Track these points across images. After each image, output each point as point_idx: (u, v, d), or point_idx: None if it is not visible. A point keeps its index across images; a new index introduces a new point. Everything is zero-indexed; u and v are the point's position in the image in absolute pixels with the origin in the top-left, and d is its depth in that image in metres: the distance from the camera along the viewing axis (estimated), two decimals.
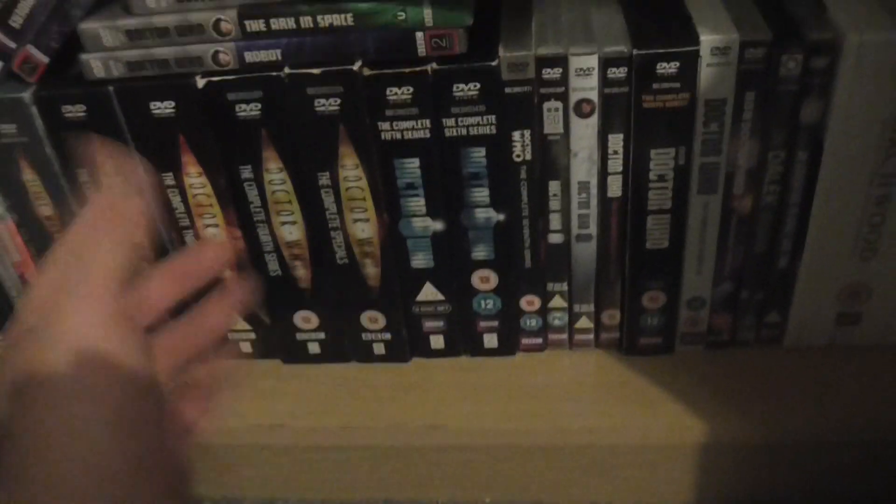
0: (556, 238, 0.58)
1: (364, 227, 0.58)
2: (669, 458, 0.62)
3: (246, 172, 0.57)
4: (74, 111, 0.55)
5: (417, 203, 0.57)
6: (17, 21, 0.54)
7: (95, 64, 0.54)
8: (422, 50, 0.51)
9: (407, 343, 0.65)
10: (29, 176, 0.58)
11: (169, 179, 0.58)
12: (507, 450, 0.63)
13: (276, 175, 0.57)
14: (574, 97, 0.52)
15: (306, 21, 0.51)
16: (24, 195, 0.59)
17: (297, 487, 0.68)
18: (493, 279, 0.60)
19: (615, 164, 0.55)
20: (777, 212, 0.56)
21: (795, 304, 0.60)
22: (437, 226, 0.58)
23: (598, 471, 0.63)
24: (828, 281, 0.59)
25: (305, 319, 0.64)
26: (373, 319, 0.63)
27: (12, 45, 0.55)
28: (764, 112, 0.52)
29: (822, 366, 0.62)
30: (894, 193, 0.55)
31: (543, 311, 0.62)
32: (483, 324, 0.63)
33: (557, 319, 0.63)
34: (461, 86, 0.52)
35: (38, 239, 0.62)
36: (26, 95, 0.55)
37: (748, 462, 0.61)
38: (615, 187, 0.56)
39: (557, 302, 0.62)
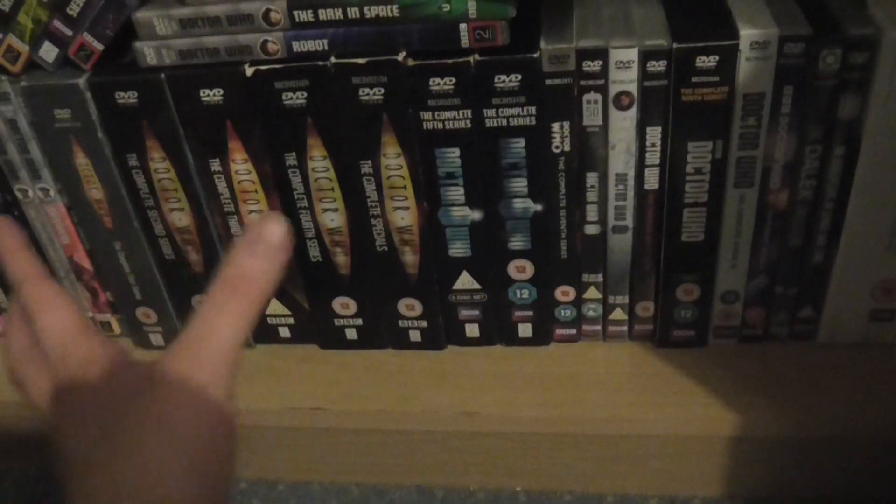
0: (592, 229, 0.59)
1: (404, 215, 0.59)
2: (700, 450, 0.62)
3: (290, 159, 0.58)
4: (127, 97, 0.57)
5: (457, 192, 0.58)
6: (73, 9, 0.56)
7: (148, 52, 0.56)
8: (465, 41, 0.52)
9: (443, 331, 0.66)
10: (81, 160, 0.60)
11: (215, 165, 0.59)
12: (539, 438, 0.64)
13: (319, 163, 0.58)
14: (613, 89, 0.53)
15: (353, 12, 0.52)
16: (75, 179, 0.61)
17: (332, 471, 0.69)
18: (528, 269, 0.61)
19: (653, 156, 0.55)
20: (813, 207, 0.57)
21: (829, 299, 0.61)
22: (476, 215, 0.59)
23: (630, 461, 0.63)
24: (862, 277, 0.59)
25: (344, 305, 0.65)
26: (410, 307, 0.65)
27: (69, 32, 0.57)
28: (802, 107, 0.53)
29: (855, 362, 0.62)
30: None
31: (578, 302, 0.63)
32: (518, 313, 0.64)
33: (592, 310, 0.64)
34: (502, 77, 0.53)
35: (87, 221, 0.64)
36: (81, 82, 0.57)
37: (779, 456, 0.62)
38: (652, 179, 0.56)
39: (592, 293, 0.63)
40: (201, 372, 0.35)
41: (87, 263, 0.67)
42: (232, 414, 0.36)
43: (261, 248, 0.37)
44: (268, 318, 0.68)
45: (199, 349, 0.36)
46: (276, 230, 0.37)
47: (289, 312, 0.67)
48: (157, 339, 0.70)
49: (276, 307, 0.67)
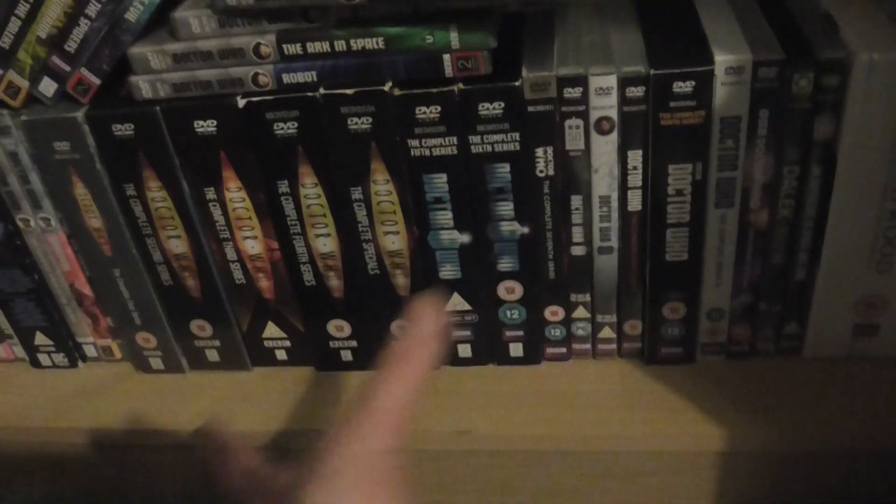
0: (578, 250, 0.61)
1: (394, 239, 0.61)
2: (690, 466, 0.63)
3: (283, 187, 0.60)
4: (123, 129, 0.59)
5: (445, 216, 0.60)
6: (71, 46, 0.58)
7: (143, 85, 0.57)
8: (448, 71, 0.54)
9: None
10: (80, 190, 0.62)
11: (210, 194, 0.61)
12: (532, 455, 0.65)
13: (311, 190, 0.60)
14: (594, 115, 0.55)
15: (340, 45, 0.54)
16: (75, 209, 0.63)
17: None
18: (518, 290, 0.63)
19: (634, 178, 0.57)
20: (793, 225, 0.58)
21: (813, 315, 0.62)
22: (465, 238, 0.60)
23: (620, 477, 0.64)
24: (844, 293, 0.60)
25: (338, 328, 0.67)
26: (403, 328, 0.66)
27: (67, 68, 0.58)
28: (778, 129, 0.54)
29: (840, 376, 0.63)
30: None
31: (567, 322, 0.65)
32: (509, 333, 0.65)
33: (581, 329, 0.65)
34: (486, 105, 0.54)
35: (87, 249, 0.65)
36: (79, 115, 0.59)
37: (767, 471, 0.63)
38: (635, 201, 0.58)
39: (581, 312, 0.64)
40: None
41: (87, 290, 0.69)
42: None
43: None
44: (264, 342, 0.69)
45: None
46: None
47: (284, 335, 0.68)
48: (156, 363, 0.71)
49: (272, 330, 0.68)
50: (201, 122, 0.58)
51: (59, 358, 0.74)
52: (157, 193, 0.61)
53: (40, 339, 0.73)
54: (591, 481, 0.65)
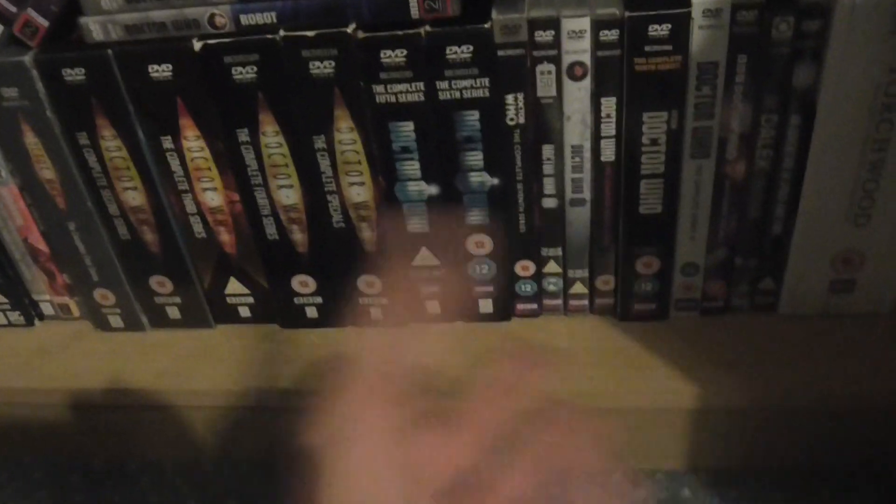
0: (550, 202, 0.59)
1: (360, 190, 0.59)
2: (663, 423, 0.62)
3: (243, 136, 0.57)
4: (74, 74, 0.56)
5: (412, 167, 0.57)
6: None
7: (94, 27, 0.55)
8: (415, 12, 0.52)
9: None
10: (31, 139, 0.59)
11: (167, 143, 0.58)
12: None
13: (272, 139, 0.57)
14: (567, 60, 0.52)
15: None
16: (26, 159, 0.60)
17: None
18: (487, 244, 0.61)
19: (608, 127, 0.55)
20: (770, 177, 0.56)
21: (789, 270, 0.61)
22: (432, 190, 0.58)
23: (592, 434, 0.63)
24: (821, 247, 0.59)
25: (303, 284, 0.65)
26: (370, 284, 0.64)
27: (13, 8, 0.55)
28: (756, 75, 0.52)
29: (815, 333, 0.62)
30: (888, 159, 0.55)
31: (538, 277, 0.63)
32: (478, 289, 0.64)
33: (552, 285, 0.63)
34: (454, 48, 0.52)
35: (40, 202, 0.63)
36: (27, 59, 0.56)
37: (740, 427, 0.62)
38: (608, 151, 0.56)
39: (552, 267, 0.62)
40: None
41: (42, 245, 0.66)
42: None
43: None
44: (227, 298, 0.67)
45: None
46: None
47: (248, 291, 0.66)
48: (116, 321, 0.69)
49: (234, 286, 0.66)
50: (156, 67, 0.55)
51: (15, 316, 0.71)
52: (111, 143, 0.59)
53: None
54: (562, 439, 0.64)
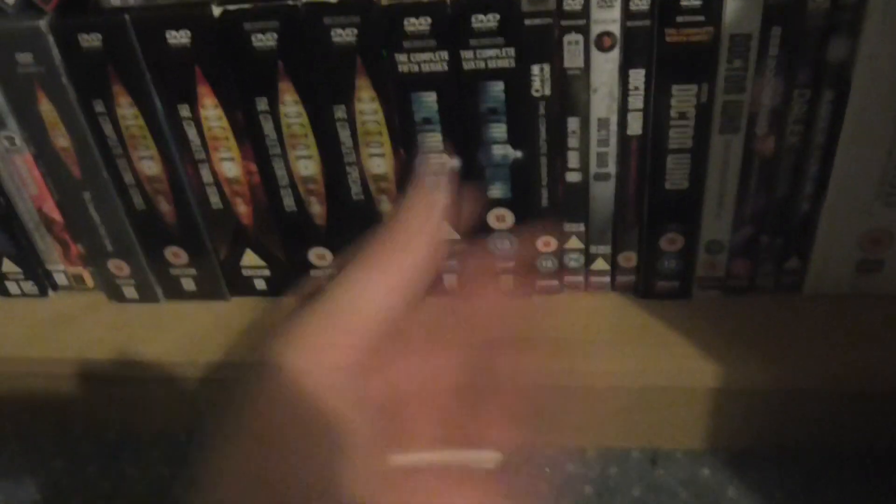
0: (573, 177, 0.58)
1: (380, 162, 0.58)
2: (683, 402, 0.61)
3: (262, 105, 0.56)
4: (90, 40, 0.55)
5: (434, 138, 0.56)
6: None
7: None
8: None
9: None
10: (45, 107, 0.58)
11: (185, 111, 0.57)
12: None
13: (291, 108, 0.56)
14: (595, 30, 0.51)
15: None
16: (41, 127, 0.59)
17: None
18: (508, 218, 0.60)
19: (636, 100, 0.54)
20: (800, 154, 0.55)
21: (816, 250, 0.59)
22: (454, 163, 0.57)
23: (612, 413, 0.62)
24: (850, 227, 0.58)
25: (320, 256, 0.64)
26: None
27: None
28: (790, 49, 0.51)
29: (841, 314, 0.61)
30: None
31: (560, 252, 0.62)
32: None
33: (574, 261, 0.62)
34: (480, 17, 0.51)
35: (55, 171, 0.62)
36: (42, 24, 0.55)
37: (762, 408, 0.61)
38: (635, 125, 0.55)
39: (574, 243, 0.61)
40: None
41: (56, 215, 0.66)
42: None
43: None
44: (243, 270, 0.66)
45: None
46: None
47: (264, 264, 0.65)
48: (130, 292, 0.68)
49: (250, 258, 0.65)
50: (174, 33, 0.54)
51: (29, 286, 0.71)
52: (127, 111, 0.58)
53: (8, 266, 0.69)
54: (582, 417, 0.63)
